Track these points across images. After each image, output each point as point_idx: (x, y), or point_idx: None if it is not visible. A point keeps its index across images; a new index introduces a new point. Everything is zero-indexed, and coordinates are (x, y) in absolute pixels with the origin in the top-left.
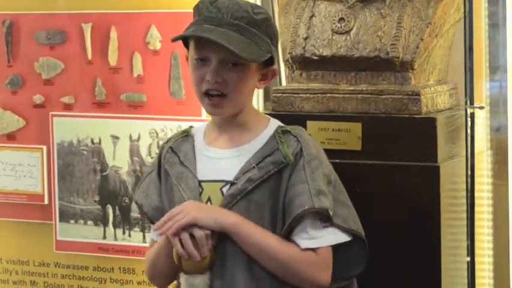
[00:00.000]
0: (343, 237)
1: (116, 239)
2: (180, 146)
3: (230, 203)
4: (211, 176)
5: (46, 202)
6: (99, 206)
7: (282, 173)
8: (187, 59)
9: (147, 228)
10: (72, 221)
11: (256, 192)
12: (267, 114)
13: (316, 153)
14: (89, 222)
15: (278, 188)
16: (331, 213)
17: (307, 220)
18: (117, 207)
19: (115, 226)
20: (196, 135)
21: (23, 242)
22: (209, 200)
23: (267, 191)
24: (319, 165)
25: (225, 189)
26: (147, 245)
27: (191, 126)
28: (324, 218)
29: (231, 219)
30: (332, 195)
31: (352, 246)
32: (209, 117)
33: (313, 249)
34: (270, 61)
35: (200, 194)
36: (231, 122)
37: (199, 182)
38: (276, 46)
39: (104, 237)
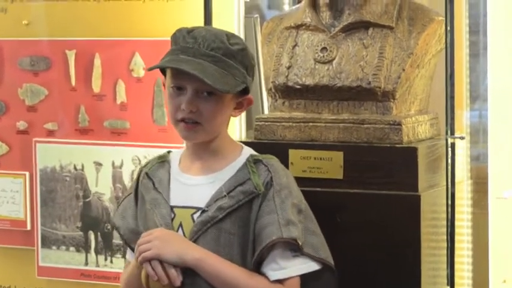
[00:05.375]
0: (313, 266)
1: (97, 265)
2: (155, 172)
3: (200, 230)
4: (183, 202)
5: (28, 228)
6: (81, 232)
7: (252, 202)
8: (164, 85)
9: None
10: (54, 247)
11: (226, 221)
12: (248, 142)
13: (287, 182)
14: (71, 248)
15: (248, 218)
16: (300, 243)
17: (277, 250)
18: (99, 234)
19: (97, 252)
20: (173, 161)
21: (5, 268)
22: (181, 225)
23: (237, 220)
24: (288, 195)
25: (195, 216)
26: None
27: (169, 151)
28: (294, 248)
29: (194, 255)
30: (303, 224)
31: (321, 275)
32: None
33: (281, 281)
34: (246, 90)
35: (172, 219)
36: (205, 148)
37: (172, 207)
38: (252, 76)
39: (86, 264)
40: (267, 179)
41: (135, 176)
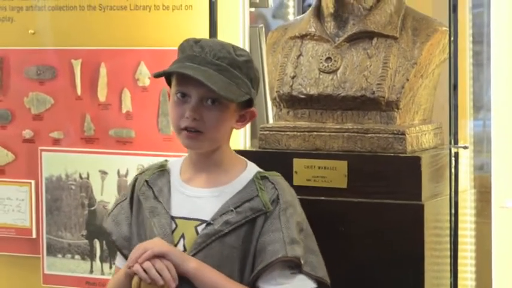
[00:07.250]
0: (310, 285)
1: (103, 273)
2: (155, 181)
3: (204, 242)
4: (186, 213)
5: (34, 236)
6: (86, 241)
7: (257, 218)
8: (169, 95)
9: None
10: (59, 255)
11: (231, 236)
12: (253, 151)
13: (292, 200)
14: (76, 256)
15: (251, 233)
16: (302, 262)
17: (277, 268)
18: (104, 242)
19: (102, 260)
20: (172, 170)
21: (10, 276)
22: (183, 236)
23: (241, 235)
24: (293, 213)
25: (200, 228)
26: None
27: (166, 160)
28: (293, 266)
29: (192, 264)
30: (303, 243)
31: None
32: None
33: None
34: (249, 103)
35: (173, 230)
36: (207, 160)
37: (173, 218)
38: (256, 89)
39: (91, 272)
40: (273, 196)
41: (130, 183)
